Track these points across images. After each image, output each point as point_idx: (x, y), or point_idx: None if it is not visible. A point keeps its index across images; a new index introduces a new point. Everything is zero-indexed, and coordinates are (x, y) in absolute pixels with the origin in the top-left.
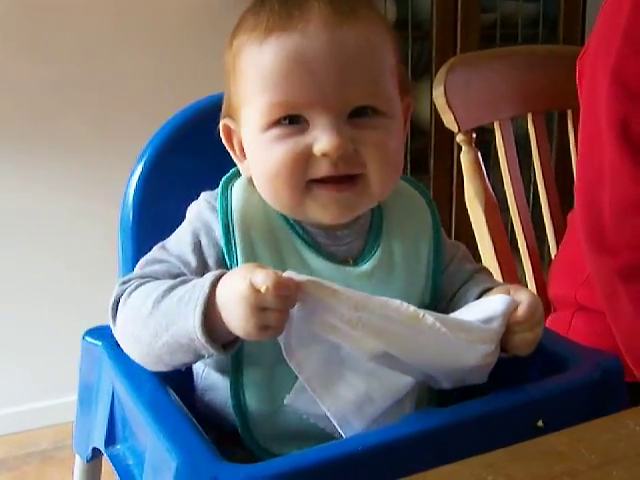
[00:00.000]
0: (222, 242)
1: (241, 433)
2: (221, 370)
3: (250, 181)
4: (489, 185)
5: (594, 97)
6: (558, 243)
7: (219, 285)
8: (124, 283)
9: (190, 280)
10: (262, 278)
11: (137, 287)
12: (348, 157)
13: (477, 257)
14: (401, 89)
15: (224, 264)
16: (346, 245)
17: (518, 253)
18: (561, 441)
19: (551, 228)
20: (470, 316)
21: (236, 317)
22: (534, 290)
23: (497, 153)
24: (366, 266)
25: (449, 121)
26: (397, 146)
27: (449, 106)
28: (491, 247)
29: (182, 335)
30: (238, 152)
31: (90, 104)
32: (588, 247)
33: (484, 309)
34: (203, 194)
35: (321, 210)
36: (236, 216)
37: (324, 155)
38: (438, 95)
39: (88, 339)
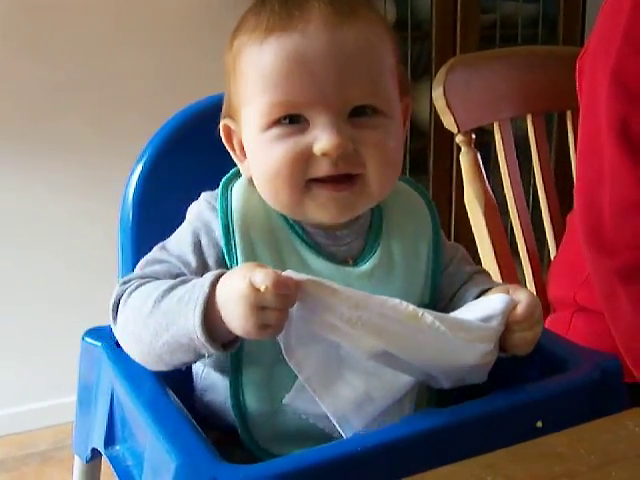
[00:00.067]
0: (222, 242)
1: (240, 433)
2: (221, 370)
3: (250, 181)
4: (488, 186)
5: (594, 97)
6: (558, 245)
7: (219, 284)
8: (124, 283)
9: (190, 280)
10: (261, 277)
11: (137, 287)
12: (348, 156)
13: (477, 259)
14: (401, 89)
15: (224, 264)
16: (346, 245)
17: (518, 255)
18: (561, 442)
19: (551, 229)
20: (469, 315)
21: (236, 316)
22: (534, 291)
23: (497, 154)
24: (366, 266)
25: (449, 122)
26: (396, 146)
27: (449, 107)
28: (491, 248)
29: (182, 334)
30: (238, 152)
31: (90, 104)
32: (588, 247)
33: (483, 308)
34: (203, 194)
35: (320, 209)
36: (236, 216)
37: (324, 154)
38: (437, 96)
39: (87, 339)
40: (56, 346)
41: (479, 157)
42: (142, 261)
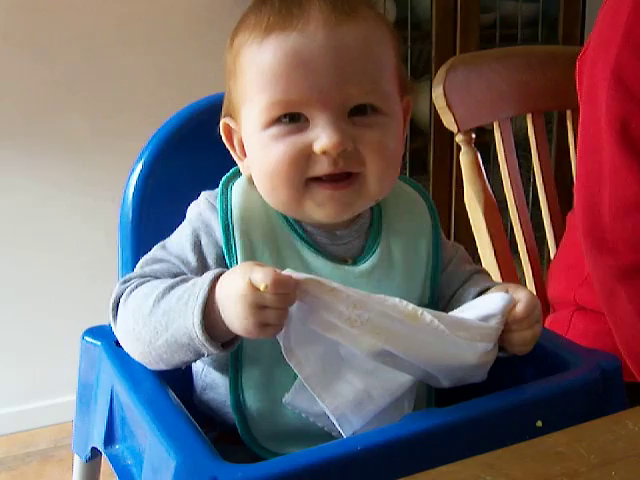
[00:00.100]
0: (222, 241)
1: (240, 432)
2: (221, 369)
3: (250, 180)
4: (488, 185)
5: (594, 97)
6: (557, 243)
7: (218, 283)
8: (124, 282)
9: (190, 279)
10: (261, 276)
11: (137, 286)
12: (348, 155)
13: (476, 258)
14: (401, 89)
15: (224, 263)
16: (345, 244)
17: (517, 254)
18: (560, 441)
19: (550, 228)
20: (468, 314)
21: (235, 315)
22: (533, 290)
23: (497, 153)
24: (365, 265)
25: (448, 121)
26: (396, 145)
27: (448, 106)
28: (490, 247)
29: (182, 334)
30: (238, 151)
31: (90, 103)
32: (587, 247)
33: (482, 307)
34: (203, 193)
35: (318, 208)
36: (236, 215)
37: (324, 153)
38: (437, 95)
39: (87, 339)
40: (56, 345)
41: (479, 156)
42: (142, 260)
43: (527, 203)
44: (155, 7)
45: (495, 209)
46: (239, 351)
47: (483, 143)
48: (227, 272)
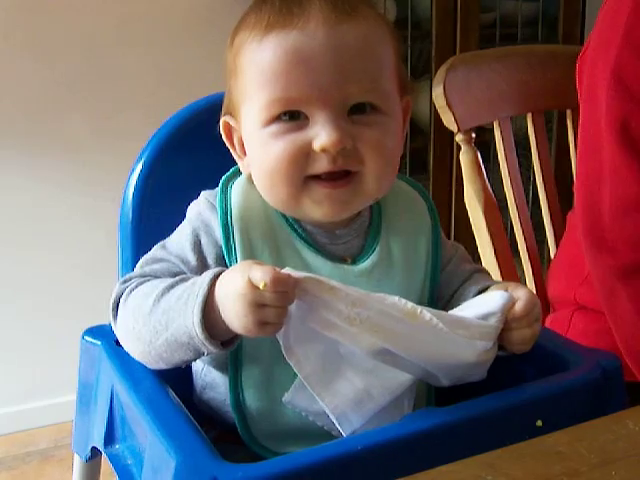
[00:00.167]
0: (221, 241)
1: (240, 431)
2: (220, 368)
3: (250, 180)
4: (488, 185)
5: (594, 97)
6: (558, 243)
7: (218, 282)
8: (124, 282)
9: (189, 278)
10: (260, 274)
11: (137, 286)
12: (347, 153)
13: (476, 257)
14: (401, 89)
15: (224, 263)
16: (345, 244)
17: (517, 253)
18: (561, 441)
19: (550, 227)
20: (468, 312)
21: (235, 314)
22: (533, 290)
23: (496, 153)
24: (365, 265)
25: (448, 121)
26: (395, 144)
27: (449, 105)
28: (490, 247)
29: (182, 333)
30: (238, 149)
31: (91, 103)
32: (587, 246)
33: (482, 305)
34: (203, 193)
35: (316, 206)
36: (235, 215)
37: (323, 150)
38: (438, 94)
39: (87, 338)
40: (56, 345)
41: (479, 156)
42: (142, 260)
43: (527, 202)
44: (155, 7)
45: (495, 208)
46: (239, 350)
47: (483, 142)
48: (226, 271)
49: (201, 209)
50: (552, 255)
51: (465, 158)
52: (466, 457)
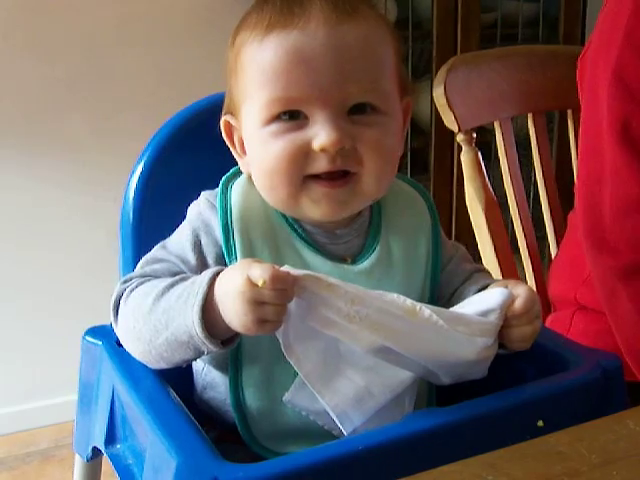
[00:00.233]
0: (222, 241)
1: (240, 431)
2: (221, 368)
3: (250, 180)
4: (489, 185)
5: (595, 97)
6: (558, 243)
7: (217, 281)
8: (125, 282)
9: (189, 277)
10: (259, 272)
11: (138, 286)
12: (346, 153)
13: (477, 257)
14: (401, 89)
15: (224, 262)
16: (345, 244)
17: (518, 253)
18: (561, 441)
19: (551, 227)
20: (467, 309)
21: (234, 312)
22: (534, 288)
23: (497, 153)
24: (365, 264)
25: (449, 121)
26: (394, 145)
27: (449, 106)
28: (491, 247)
29: (182, 332)
30: (238, 148)
31: (91, 103)
32: (588, 247)
33: (481, 302)
34: (203, 193)
35: (314, 205)
36: (236, 215)
37: (323, 150)
38: (438, 95)
39: (88, 338)
40: (57, 345)
41: (480, 156)
42: (142, 260)
43: (528, 202)
44: (155, 7)
45: (496, 208)
46: (239, 349)
47: (484, 142)
48: (226, 269)
49: (201, 209)
50: (553, 255)
51: (466, 158)
52: (467, 457)
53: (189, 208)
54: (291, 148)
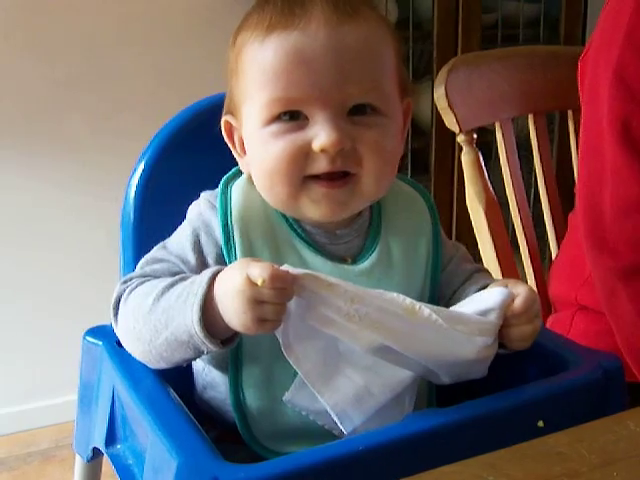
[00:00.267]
0: (221, 241)
1: (240, 431)
2: (221, 367)
3: (250, 180)
4: (490, 185)
5: (596, 97)
6: (559, 243)
7: (216, 280)
8: (125, 282)
9: (189, 277)
10: (258, 271)
11: (137, 286)
12: (346, 154)
13: (477, 256)
14: (401, 90)
15: (224, 263)
16: (345, 244)
17: (518, 252)
18: (561, 441)
19: (552, 228)
20: (467, 308)
21: (233, 311)
22: (534, 288)
23: (498, 153)
24: (364, 264)
25: (450, 121)
26: (394, 146)
27: (450, 106)
28: (492, 246)
29: (181, 331)
30: (239, 148)
31: (91, 103)
32: (589, 247)
33: (481, 301)
34: (203, 194)
35: (313, 205)
36: (236, 215)
37: (322, 151)
38: (439, 95)
39: (89, 338)
40: (57, 345)
41: (480, 157)
42: (142, 260)
43: (528, 203)
44: (155, 7)
45: (496, 208)
46: (239, 349)
47: (485, 142)
48: (225, 269)
49: (201, 209)
50: (554, 255)
51: (467, 159)
52: (467, 457)
53: (189, 208)
54: (291, 148)
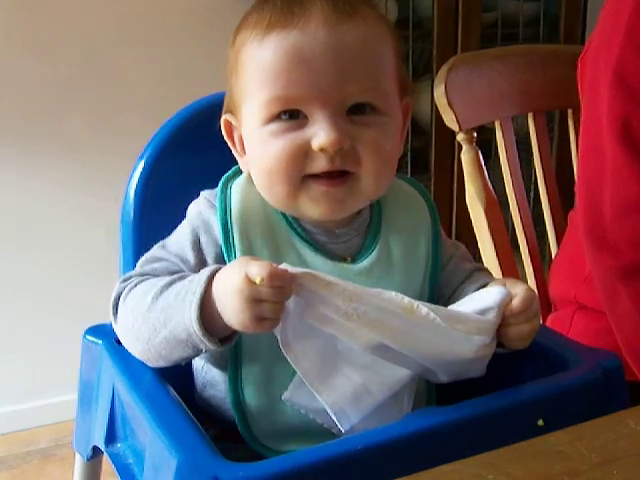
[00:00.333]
0: (221, 240)
1: (240, 429)
2: (220, 366)
3: (249, 179)
4: (490, 184)
5: (595, 96)
6: (559, 242)
7: (215, 279)
8: (124, 281)
9: (188, 276)
10: (257, 269)
11: (137, 284)
12: (345, 153)
13: (477, 255)
14: (401, 90)
15: (223, 262)
16: (344, 243)
17: (518, 251)
18: (561, 440)
19: (552, 227)
20: (465, 307)
21: (232, 310)
22: (534, 287)
23: (498, 152)
24: (364, 264)
25: (450, 120)
26: (393, 145)
27: (450, 105)
28: (491, 246)
29: (180, 330)
30: (238, 147)
31: (91, 102)
32: (589, 246)
33: (479, 300)
34: (203, 193)
35: (312, 204)
36: (235, 214)
37: (322, 150)
38: (439, 94)
39: (88, 337)
40: (57, 344)
41: (480, 155)
42: (142, 259)
43: (528, 201)
44: (155, 7)
45: (496, 207)
46: (238, 348)
47: (484, 141)
48: (224, 267)
49: (201, 208)
50: (553, 254)
51: (466, 157)
52: (467, 456)
53: (189, 208)
54: (290, 147)
